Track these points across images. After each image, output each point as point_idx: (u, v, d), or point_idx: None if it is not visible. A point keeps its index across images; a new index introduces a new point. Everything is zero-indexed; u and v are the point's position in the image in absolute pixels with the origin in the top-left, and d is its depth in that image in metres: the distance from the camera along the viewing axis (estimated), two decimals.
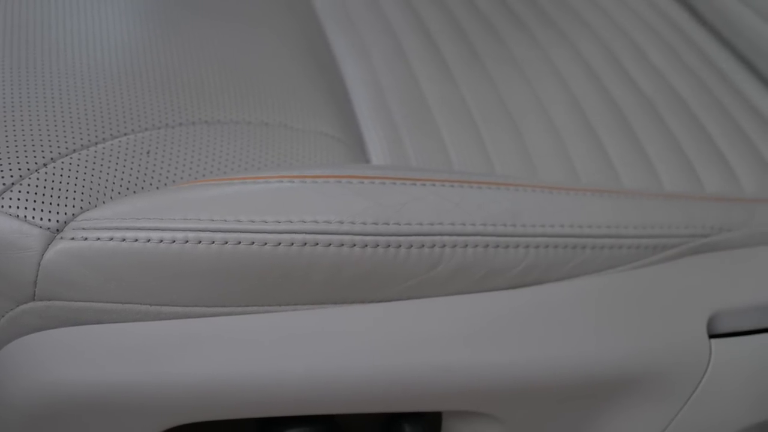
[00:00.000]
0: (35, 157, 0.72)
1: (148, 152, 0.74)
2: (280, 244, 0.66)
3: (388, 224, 0.69)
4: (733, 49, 1.06)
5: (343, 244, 0.67)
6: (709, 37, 1.08)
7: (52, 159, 0.72)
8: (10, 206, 0.67)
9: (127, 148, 0.75)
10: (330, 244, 0.67)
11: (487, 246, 0.71)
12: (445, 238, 0.70)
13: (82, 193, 0.70)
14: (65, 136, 0.75)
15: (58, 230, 0.67)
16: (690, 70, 1.01)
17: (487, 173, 0.83)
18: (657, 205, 0.80)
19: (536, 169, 0.85)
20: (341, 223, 0.67)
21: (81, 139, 0.75)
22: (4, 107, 0.77)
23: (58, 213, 0.68)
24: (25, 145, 0.73)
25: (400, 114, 0.89)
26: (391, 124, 0.88)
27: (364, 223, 0.68)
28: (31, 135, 0.74)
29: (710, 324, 0.72)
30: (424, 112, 0.90)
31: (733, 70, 1.02)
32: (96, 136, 0.75)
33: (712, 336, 0.72)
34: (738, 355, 0.74)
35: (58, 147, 0.73)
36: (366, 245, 0.68)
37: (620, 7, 1.12)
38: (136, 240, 0.66)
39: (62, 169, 0.71)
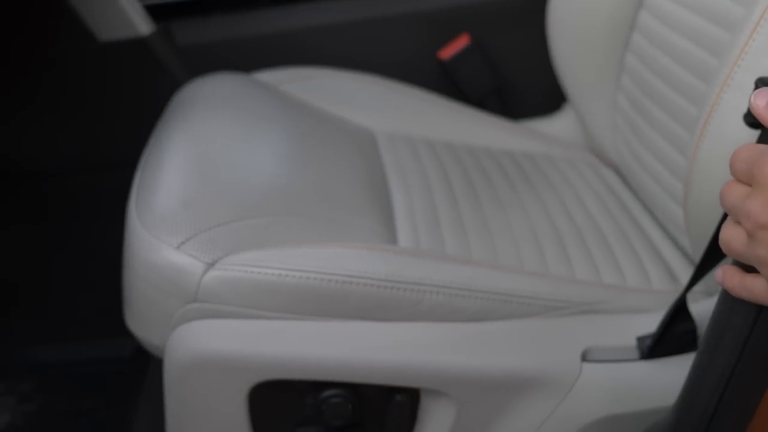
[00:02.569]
0: (203, 224, 0.84)
1: (266, 228, 0.85)
2: (330, 281, 0.79)
3: (390, 276, 0.80)
4: (642, 202, 1.08)
5: (366, 285, 0.79)
6: (628, 193, 1.11)
7: (213, 227, 0.84)
8: (187, 249, 0.81)
9: (255, 225, 0.86)
10: (358, 284, 0.79)
11: (450, 295, 0.81)
12: (425, 287, 0.80)
13: (227, 246, 0.82)
14: (223, 214, 0.86)
15: (212, 264, 0.80)
16: (609, 212, 1.04)
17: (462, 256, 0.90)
18: (562, 284, 0.87)
19: (498, 259, 0.91)
20: (366, 272, 0.80)
21: (229, 217, 0.86)
22: (193, 196, 0.89)
23: (213, 255, 0.80)
24: (200, 218, 0.85)
25: (422, 224, 0.96)
26: (414, 228, 0.94)
27: (379, 274, 0.80)
28: (204, 212, 0.86)
29: (584, 354, 0.80)
30: (436, 225, 0.96)
31: (640, 214, 1.06)
32: (238, 216, 0.86)
33: (584, 360, 0.80)
34: (598, 373, 0.80)
35: (217, 220, 0.85)
36: (379, 287, 0.80)
37: (574, 174, 1.15)
38: (254, 273, 0.79)
39: (218, 232, 0.83)
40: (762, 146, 0.50)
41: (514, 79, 1.37)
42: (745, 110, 0.56)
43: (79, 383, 1.30)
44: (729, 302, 0.58)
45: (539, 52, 1.28)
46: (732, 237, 0.51)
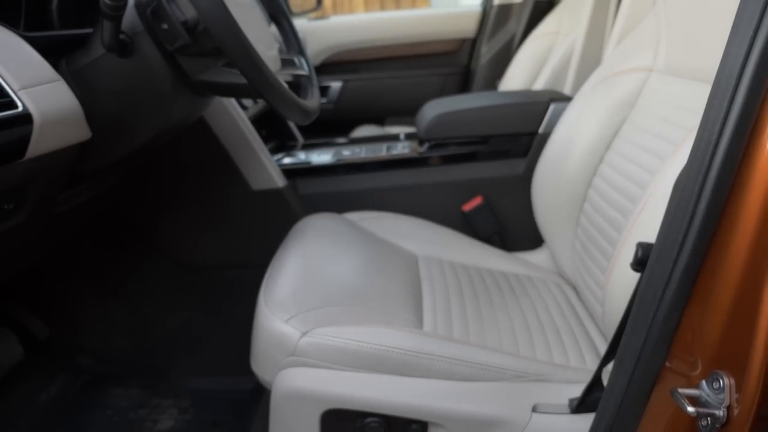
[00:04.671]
0: (302, 308, 0.88)
1: (340, 312, 0.88)
2: (376, 348, 0.83)
3: (414, 349, 0.84)
4: (587, 309, 1.07)
5: (397, 353, 0.84)
6: (579, 303, 1.10)
7: (308, 310, 0.88)
8: (291, 323, 0.85)
9: (334, 310, 0.90)
10: (393, 352, 0.84)
11: (450, 363, 0.84)
12: (435, 357, 0.84)
13: (316, 322, 0.86)
14: (315, 303, 0.90)
15: (305, 333, 0.84)
16: (564, 315, 1.04)
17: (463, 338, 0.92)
18: (525, 361, 0.88)
19: (486, 342, 0.92)
20: (398, 345, 0.84)
21: (319, 304, 0.90)
22: (298, 290, 0.92)
23: (306, 327, 0.85)
24: (300, 304, 0.89)
25: (440, 316, 0.97)
26: (434, 319, 0.96)
27: (406, 346, 0.84)
28: (303, 301, 0.90)
29: (534, 407, 0.82)
30: (449, 317, 0.97)
31: (584, 317, 1.04)
32: (324, 305, 0.90)
33: (533, 411, 0.81)
34: (542, 421, 0.81)
35: (311, 306, 0.89)
36: (405, 354, 0.84)
37: (545, 289, 1.14)
38: (331, 340, 0.84)
39: (311, 313, 0.86)
40: None
41: (510, 225, 1.38)
42: (631, 261, 0.63)
43: (219, 403, 1.33)
44: (612, 382, 0.63)
45: (527, 209, 1.32)
46: None
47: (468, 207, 1.36)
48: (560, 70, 1.69)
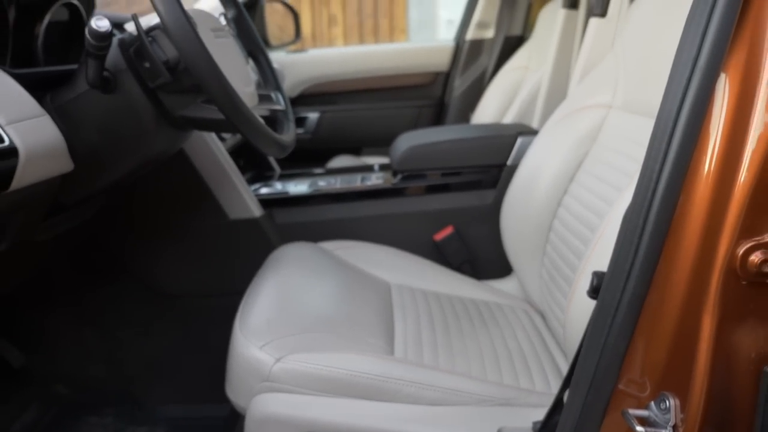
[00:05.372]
0: (277, 335, 0.90)
1: (314, 339, 0.90)
2: (348, 374, 0.86)
3: (384, 374, 0.87)
4: (553, 334, 1.10)
5: (367, 378, 0.86)
6: (546, 329, 1.13)
7: (282, 337, 0.90)
8: (266, 349, 0.87)
9: (308, 337, 0.91)
10: (363, 377, 0.86)
11: (419, 388, 0.86)
12: (404, 382, 0.87)
13: (289, 349, 0.88)
14: (289, 330, 0.92)
15: (279, 359, 0.86)
16: (531, 341, 1.06)
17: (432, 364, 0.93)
18: (492, 386, 0.91)
19: (455, 367, 0.94)
20: (369, 370, 0.86)
21: (293, 331, 0.90)
22: (273, 318, 0.94)
23: (280, 354, 0.87)
24: (275, 331, 0.91)
25: (410, 343, 0.99)
26: (405, 345, 0.97)
27: (376, 372, 0.86)
28: (278, 328, 0.92)
29: (499, 430, 0.81)
30: (419, 344, 0.99)
31: (551, 343, 1.07)
32: (298, 332, 0.92)
33: None
34: None
35: (285, 333, 0.91)
36: (375, 380, 0.86)
37: (513, 316, 1.16)
38: (304, 366, 0.86)
39: (285, 340, 0.90)
40: None
41: (480, 254, 1.42)
42: (588, 288, 0.66)
43: (194, 430, 1.34)
44: (569, 404, 0.66)
45: (496, 238, 1.35)
46: None
47: (439, 236, 1.39)
48: (529, 103, 1.75)
